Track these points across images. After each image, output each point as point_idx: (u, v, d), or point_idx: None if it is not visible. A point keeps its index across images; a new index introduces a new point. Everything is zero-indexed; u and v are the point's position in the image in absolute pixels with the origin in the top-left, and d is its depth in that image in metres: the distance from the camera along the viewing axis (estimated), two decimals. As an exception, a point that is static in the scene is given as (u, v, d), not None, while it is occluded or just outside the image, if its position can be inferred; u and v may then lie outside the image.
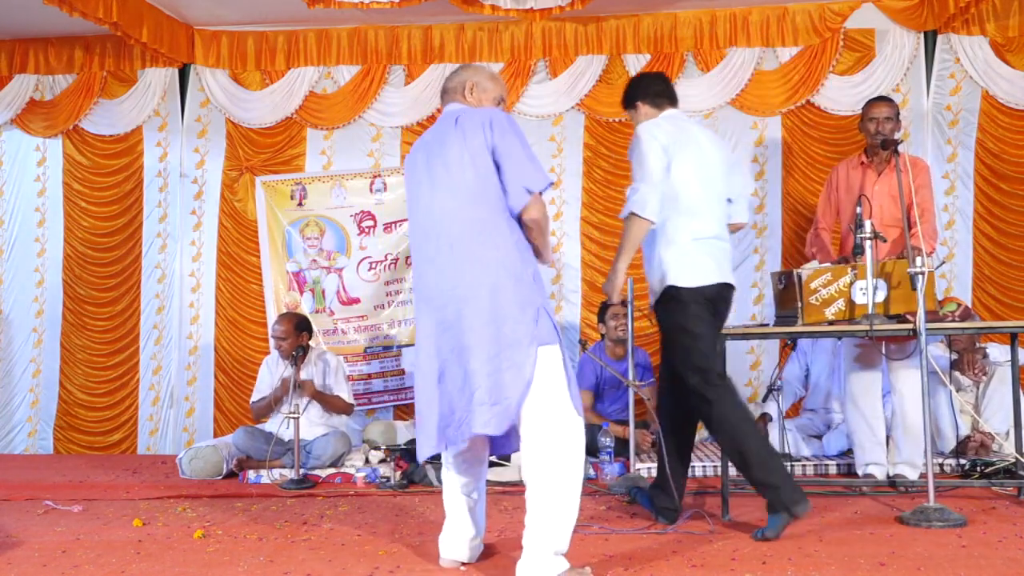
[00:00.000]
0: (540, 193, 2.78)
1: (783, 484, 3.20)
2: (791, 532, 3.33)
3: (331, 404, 5.10)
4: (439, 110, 3.00)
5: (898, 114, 4.36)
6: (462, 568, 2.94)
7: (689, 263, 3.38)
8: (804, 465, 4.73)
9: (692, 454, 3.74)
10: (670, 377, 3.53)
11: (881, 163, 4.36)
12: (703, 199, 3.45)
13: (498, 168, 2.76)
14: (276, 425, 4.95)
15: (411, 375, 5.93)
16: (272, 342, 5.19)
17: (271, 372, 5.15)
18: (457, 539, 2.96)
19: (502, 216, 2.76)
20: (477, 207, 2.76)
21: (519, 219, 2.79)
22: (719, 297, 3.44)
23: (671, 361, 3.51)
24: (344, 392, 5.16)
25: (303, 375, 5.02)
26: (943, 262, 5.57)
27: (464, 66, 3.11)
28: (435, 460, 4.58)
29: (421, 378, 2.84)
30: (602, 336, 5.41)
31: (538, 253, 2.86)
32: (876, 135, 4.27)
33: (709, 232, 3.44)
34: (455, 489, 2.97)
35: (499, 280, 2.71)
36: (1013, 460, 4.05)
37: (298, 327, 5.07)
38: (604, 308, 5.38)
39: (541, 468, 2.65)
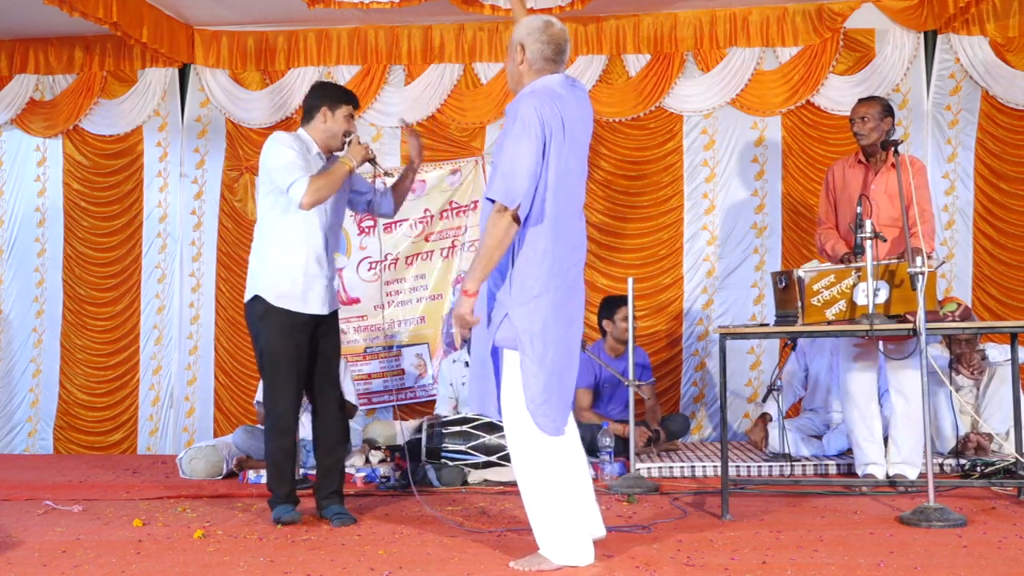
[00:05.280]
0: None
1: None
2: (791, 532, 3.34)
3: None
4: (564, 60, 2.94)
5: (882, 113, 4.29)
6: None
7: None
8: (804, 465, 4.73)
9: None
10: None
11: (878, 162, 4.35)
12: None
13: None
14: (276, 425, 4.94)
15: (410, 374, 5.94)
16: None
17: None
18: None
19: None
20: None
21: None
22: None
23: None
24: (350, 394, 5.16)
25: None
26: (943, 262, 5.57)
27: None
28: (434, 459, 4.59)
29: (568, 358, 2.97)
30: (603, 333, 5.41)
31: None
32: (856, 136, 4.34)
33: None
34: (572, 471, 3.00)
35: None
36: (1013, 460, 4.05)
37: None
38: (609, 306, 5.37)
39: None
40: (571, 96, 3.00)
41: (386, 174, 3.94)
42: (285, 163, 3.57)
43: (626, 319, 5.23)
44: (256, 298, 3.65)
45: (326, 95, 3.78)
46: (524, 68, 3.04)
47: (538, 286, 2.88)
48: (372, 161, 3.75)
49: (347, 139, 3.74)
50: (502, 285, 2.95)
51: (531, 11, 5.30)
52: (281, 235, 3.66)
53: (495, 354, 2.99)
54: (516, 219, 2.85)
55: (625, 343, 5.29)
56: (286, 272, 3.63)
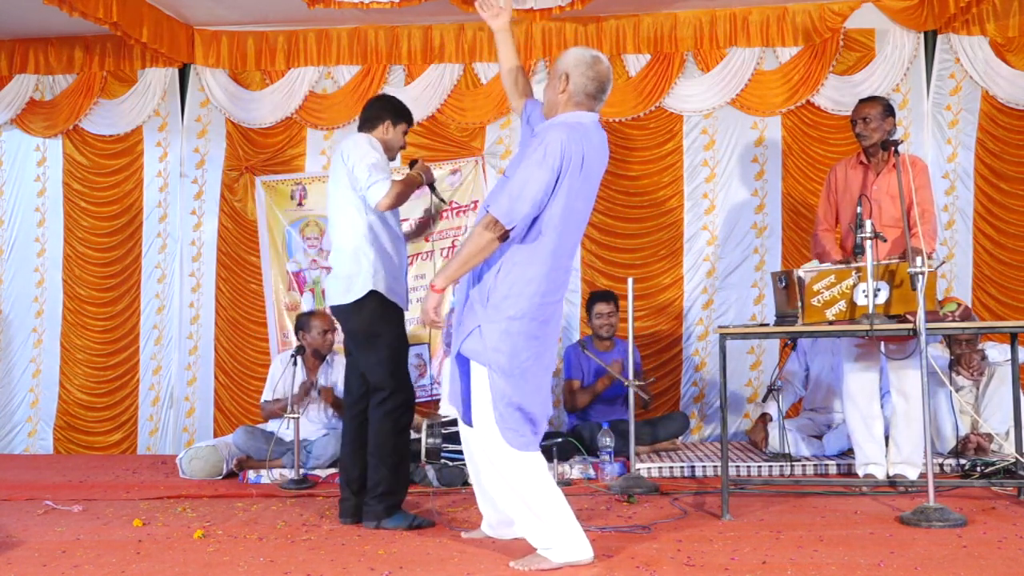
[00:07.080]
0: None
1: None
2: (791, 532, 3.34)
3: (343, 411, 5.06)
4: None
5: (884, 114, 4.28)
6: None
7: None
8: (804, 465, 4.73)
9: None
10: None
11: (880, 163, 4.35)
12: None
13: None
14: (276, 425, 4.95)
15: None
16: (314, 336, 5.08)
17: (283, 370, 5.04)
18: None
19: None
20: None
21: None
22: None
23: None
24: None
25: (321, 379, 5.03)
26: (943, 262, 5.57)
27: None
28: (434, 460, 4.59)
29: (536, 388, 2.98)
30: (592, 329, 5.51)
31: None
32: (859, 136, 4.34)
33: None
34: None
35: None
36: (1013, 460, 4.05)
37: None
38: (590, 301, 5.51)
39: None
40: (597, 139, 3.02)
41: (442, 201, 4.06)
42: (374, 162, 3.58)
43: (600, 315, 5.38)
44: (372, 294, 3.59)
45: (389, 109, 3.84)
46: (563, 98, 3.03)
47: (514, 310, 2.90)
48: (432, 186, 3.93)
49: (413, 161, 3.91)
50: (480, 293, 2.98)
51: (530, 11, 5.35)
52: (373, 232, 3.64)
53: (462, 361, 3.05)
54: (503, 238, 2.88)
55: (606, 339, 5.41)
56: (389, 268, 3.65)
